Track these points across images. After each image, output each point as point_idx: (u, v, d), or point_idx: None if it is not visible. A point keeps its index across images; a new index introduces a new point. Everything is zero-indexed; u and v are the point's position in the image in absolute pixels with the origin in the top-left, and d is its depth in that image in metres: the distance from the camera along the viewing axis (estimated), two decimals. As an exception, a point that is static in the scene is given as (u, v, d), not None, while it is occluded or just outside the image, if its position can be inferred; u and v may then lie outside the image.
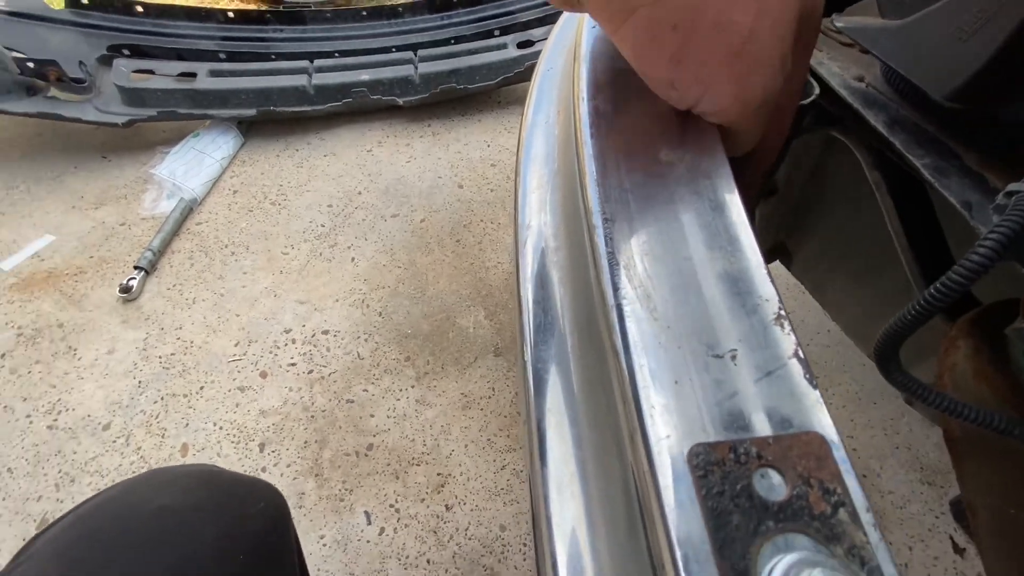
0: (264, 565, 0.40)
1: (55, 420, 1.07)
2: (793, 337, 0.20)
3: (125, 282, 1.25)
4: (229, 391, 1.12)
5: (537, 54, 1.70)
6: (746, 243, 0.23)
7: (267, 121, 1.67)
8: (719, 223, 0.24)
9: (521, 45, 1.77)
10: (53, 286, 1.28)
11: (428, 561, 0.91)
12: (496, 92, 1.80)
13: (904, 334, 0.26)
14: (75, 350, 1.17)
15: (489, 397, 1.12)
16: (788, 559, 0.15)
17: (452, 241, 1.39)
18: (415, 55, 1.77)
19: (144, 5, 1.68)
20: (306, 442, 1.04)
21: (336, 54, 1.79)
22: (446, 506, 0.98)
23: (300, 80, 1.65)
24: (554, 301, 0.30)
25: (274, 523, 0.44)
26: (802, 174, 0.63)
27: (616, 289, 0.22)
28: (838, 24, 0.39)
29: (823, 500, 0.16)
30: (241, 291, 1.29)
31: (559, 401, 0.26)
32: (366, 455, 1.03)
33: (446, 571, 0.90)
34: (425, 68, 1.71)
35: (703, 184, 0.25)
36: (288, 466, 1.01)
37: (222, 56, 1.71)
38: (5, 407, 1.08)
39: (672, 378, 0.19)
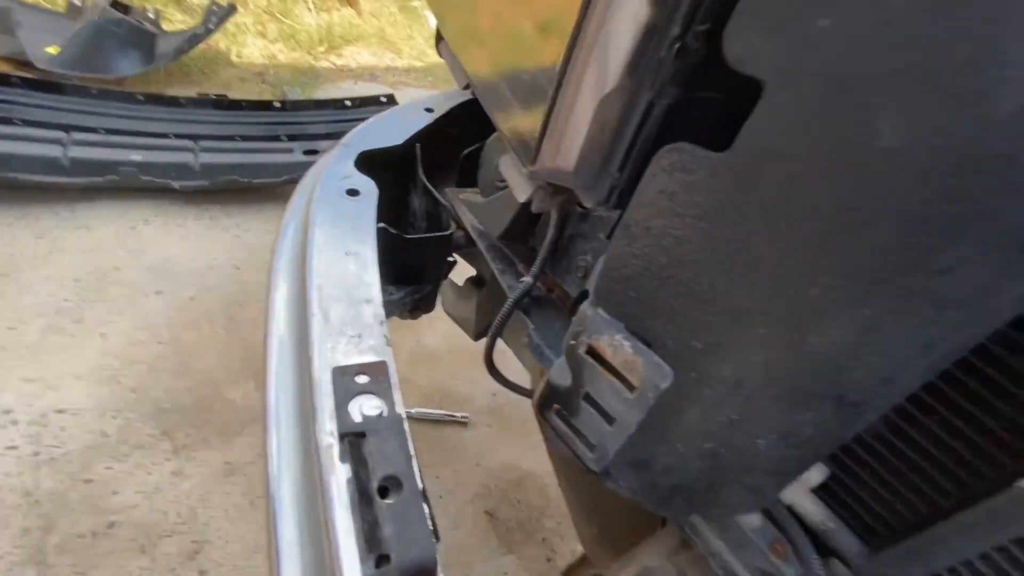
0: None
1: None
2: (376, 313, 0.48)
3: None
4: (-91, 485, 0.95)
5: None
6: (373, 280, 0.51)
7: (5, 187, 1.51)
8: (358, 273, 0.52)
9: (308, 152, 2.02)
10: None
11: (175, 628, 0.91)
12: (281, 188, 1.97)
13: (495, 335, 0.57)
14: None
15: (255, 463, 1.19)
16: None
17: (224, 318, 1.46)
18: (196, 144, 1.86)
19: None
20: (26, 529, 0.95)
21: (101, 130, 1.75)
22: (199, 572, 1.00)
23: (52, 150, 1.58)
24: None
25: None
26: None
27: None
28: (461, 197, 0.76)
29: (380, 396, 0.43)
30: (-61, 370, 1.12)
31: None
32: (106, 534, 0.99)
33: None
34: (207, 158, 1.81)
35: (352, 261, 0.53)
36: (2, 556, 0.90)
37: (-55, 112, 1.52)
38: None
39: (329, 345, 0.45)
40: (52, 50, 1.99)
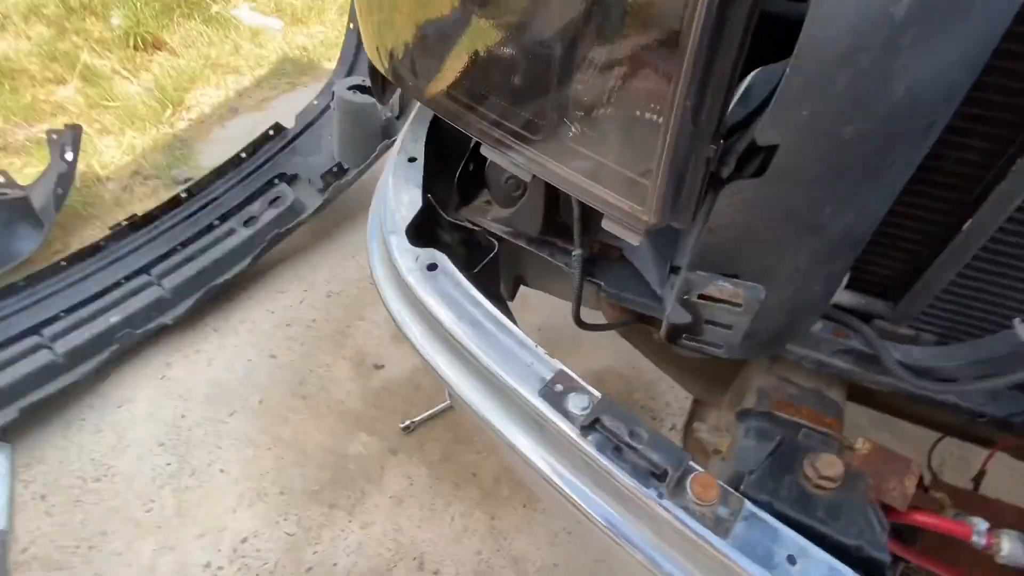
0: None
1: None
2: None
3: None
4: (191, 651, 1.14)
5: (266, 226, 1.97)
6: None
7: (31, 413, 1.53)
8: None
9: (247, 223, 2.02)
10: None
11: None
12: (249, 270, 1.99)
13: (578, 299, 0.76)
14: None
15: (409, 485, 1.41)
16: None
17: (299, 400, 1.60)
18: (151, 275, 1.85)
19: None
20: (299, 623, 1.17)
21: (61, 314, 1.72)
22: (434, 572, 1.25)
23: (41, 357, 1.57)
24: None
25: None
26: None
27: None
28: (489, 218, 0.90)
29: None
30: (129, 571, 1.26)
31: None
32: (352, 592, 1.22)
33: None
34: (170, 282, 1.81)
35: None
36: (300, 649, 1.13)
37: (-81, 382, 1.49)
38: None
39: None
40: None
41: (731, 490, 0.56)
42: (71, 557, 1.28)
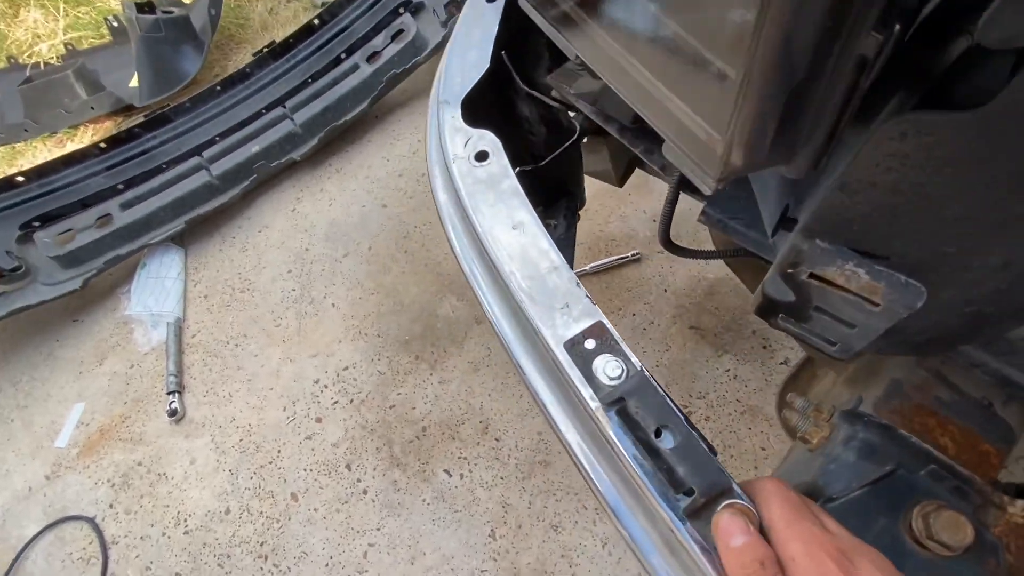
0: None
1: (187, 527, 1.34)
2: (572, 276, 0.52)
3: (168, 407, 1.48)
4: (300, 443, 1.41)
5: (387, 64, 1.89)
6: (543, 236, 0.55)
7: (195, 225, 1.82)
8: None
9: (370, 59, 1.95)
10: (112, 439, 1.49)
11: (501, 478, 1.28)
12: (371, 111, 1.99)
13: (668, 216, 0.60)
14: (164, 474, 1.42)
15: (488, 355, 1.45)
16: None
17: (402, 253, 1.67)
18: (286, 108, 1.93)
19: (22, 173, 1.75)
20: (378, 448, 1.37)
21: (216, 138, 1.91)
22: (496, 439, 1.34)
23: (201, 177, 1.80)
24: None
25: None
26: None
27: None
28: (573, 90, 0.70)
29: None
30: (262, 370, 1.54)
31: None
32: (425, 435, 1.37)
33: (515, 478, 1.27)
34: (300, 117, 1.88)
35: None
36: (374, 469, 1.34)
37: (120, 187, 1.82)
38: (141, 537, 1.35)
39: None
40: (135, 83, 2.13)
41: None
42: (223, 348, 1.59)
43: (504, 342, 0.61)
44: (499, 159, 0.67)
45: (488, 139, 0.69)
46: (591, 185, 1.07)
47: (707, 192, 0.37)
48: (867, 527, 0.50)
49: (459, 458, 1.32)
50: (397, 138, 1.92)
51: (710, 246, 0.94)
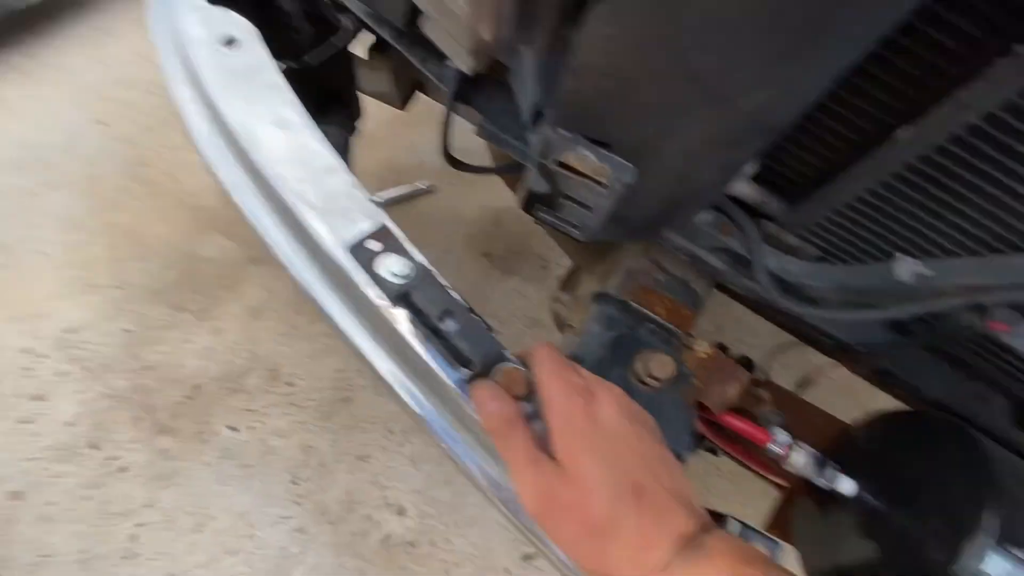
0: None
1: None
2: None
3: None
4: (12, 429, 1.08)
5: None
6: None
7: None
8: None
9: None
10: None
11: (299, 423, 1.20)
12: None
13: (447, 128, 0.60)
14: None
15: (269, 297, 1.31)
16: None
17: (138, 185, 1.35)
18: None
19: None
20: (136, 418, 1.14)
21: None
22: (288, 384, 1.24)
23: None
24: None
25: None
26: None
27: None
28: None
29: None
30: (-76, 348, 1.11)
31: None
32: (198, 394, 1.19)
33: (314, 420, 1.21)
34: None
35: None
36: (133, 442, 1.11)
37: None
38: None
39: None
40: None
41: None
42: None
43: (279, 256, 0.56)
44: (255, 47, 0.58)
45: (237, 21, 0.59)
46: (378, 113, 1.02)
47: (466, 70, 0.38)
48: (607, 375, 0.62)
49: (246, 411, 1.19)
50: (112, 34, 1.49)
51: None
